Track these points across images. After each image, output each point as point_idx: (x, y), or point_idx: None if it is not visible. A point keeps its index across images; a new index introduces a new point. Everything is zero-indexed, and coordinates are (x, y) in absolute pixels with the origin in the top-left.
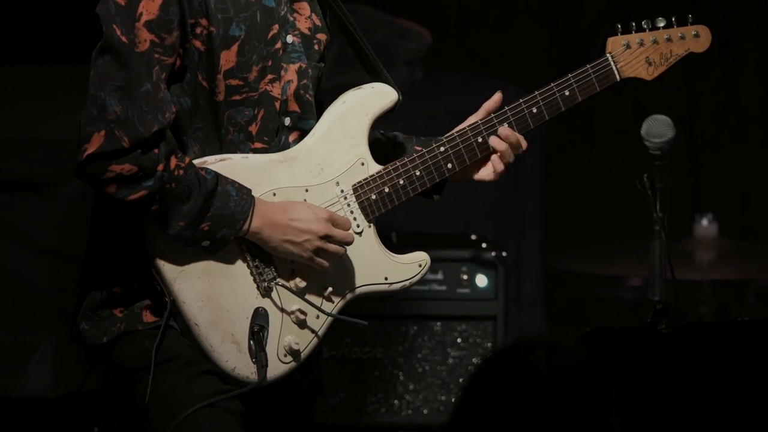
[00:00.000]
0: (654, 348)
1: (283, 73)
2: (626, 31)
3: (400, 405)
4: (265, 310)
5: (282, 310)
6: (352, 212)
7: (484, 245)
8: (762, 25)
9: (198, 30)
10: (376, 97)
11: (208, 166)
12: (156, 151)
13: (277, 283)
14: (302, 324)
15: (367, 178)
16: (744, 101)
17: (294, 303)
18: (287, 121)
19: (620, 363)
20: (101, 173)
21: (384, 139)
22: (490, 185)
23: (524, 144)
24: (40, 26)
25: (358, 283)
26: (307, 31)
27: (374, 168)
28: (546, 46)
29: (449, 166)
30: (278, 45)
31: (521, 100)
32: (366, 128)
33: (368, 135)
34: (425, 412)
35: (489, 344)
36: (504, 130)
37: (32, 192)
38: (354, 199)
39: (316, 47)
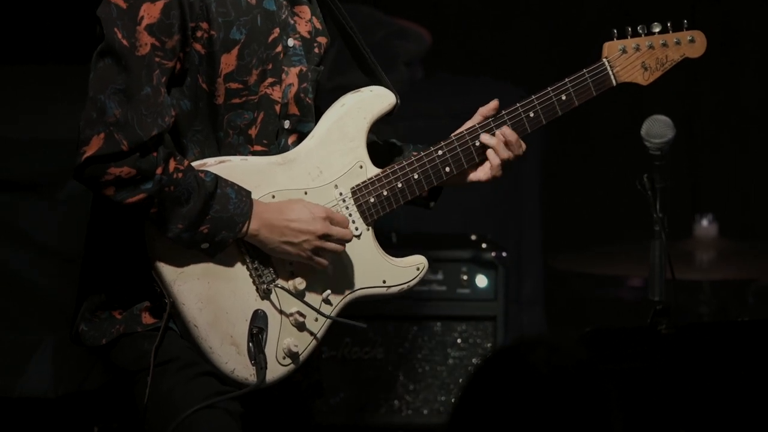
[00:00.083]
0: (654, 348)
1: (284, 76)
2: (622, 35)
3: (400, 405)
4: (264, 312)
5: (281, 312)
6: (350, 215)
7: (484, 245)
8: (762, 25)
9: (199, 33)
10: (374, 100)
11: (207, 168)
12: (155, 154)
13: (276, 285)
14: (301, 326)
15: (365, 181)
16: (744, 101)
17: (293, 305)
18: (287, 123)
19: (620, 363)
20: (100, 176)
21: (381, 143)
22: (490, 185)
23: (522, 145)
24: (40, 26)
25: (356, 286)
26: (307, 35)
27: (373, 171)
28: (546, 46)
29: (447, 169)
30: (279, 48)
31: (518, 104)
32: (364, 131)
33: (367, 138)
34: (425, 412)
35: (489, 344)
36: (503, 129)
37: (32, 192)
38: (352, 202)
39: (316, 50)
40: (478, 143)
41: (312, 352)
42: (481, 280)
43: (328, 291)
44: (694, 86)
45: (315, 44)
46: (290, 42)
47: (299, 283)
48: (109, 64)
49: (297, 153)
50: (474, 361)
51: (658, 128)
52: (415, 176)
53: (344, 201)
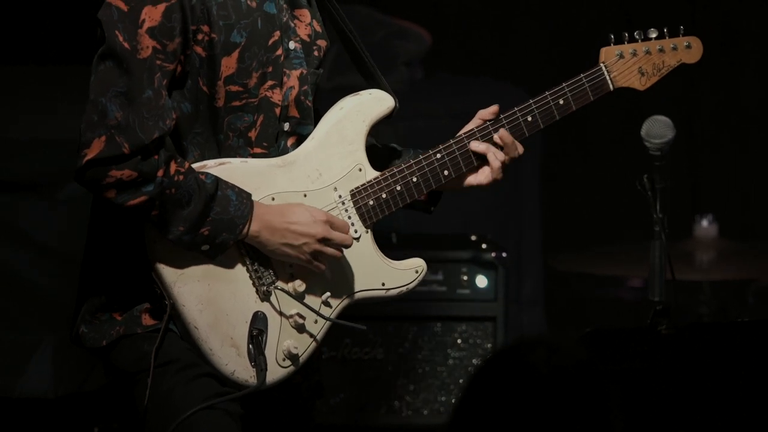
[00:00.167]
0: (654, 348)
1: (285, 79)
2: (619, 41)
3: (400, 406)
4: (264, 314)
5: (281, 314)
6: (349, 218)
7: (484, 246)
8: (762, 25)
9: (199, 36)
10: (373, 103)
11: (207, 170)
12: (156, 157)
13: (275, 287)
14: (301, 328)
15: (364, 184)
16: (744, 101)
17: (293, 307)
18: (286, 126)
19: (620, 363)
20: (101, 178)
21: (380, 147)
22: (489, 185)
23: (519, 148)
24: (40, 26)
25: (355, 288)
26: (307, 38)
27: (372, 174)
28: (546, 46)
29: (446, 173)
30: (279, 51)
31: (516, 109)
32: (363, 134)
33: (366, 141)
34: (425, 412)
35: (489, 345)
36: (501, 132)
37: (32, 192)
38: (352, 204)
39: (315, 53)
40: None
41: (312, 353)
42: (481, 281)
43: (328, 293)
44: (695, 86)
45: (315, 47)
46: (291, 45)
47: (299, 285)
48: (110, 66)
49: (296, 155)
50: (474, 361)
51: (658, 128)
52: (414, 179)
53: (343, 204)
